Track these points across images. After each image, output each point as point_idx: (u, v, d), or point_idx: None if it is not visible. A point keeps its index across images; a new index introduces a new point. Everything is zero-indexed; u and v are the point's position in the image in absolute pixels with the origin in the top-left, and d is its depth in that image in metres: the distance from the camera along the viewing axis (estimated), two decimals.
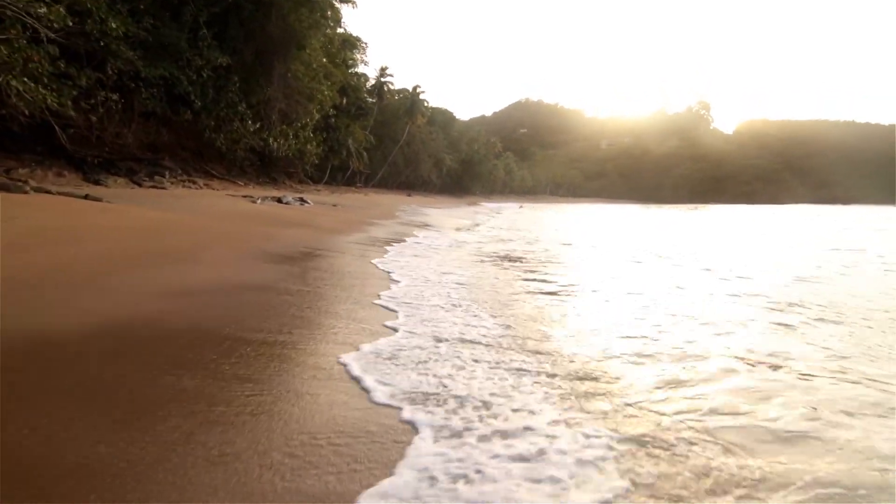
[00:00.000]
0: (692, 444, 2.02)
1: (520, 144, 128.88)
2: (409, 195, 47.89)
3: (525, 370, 2.76)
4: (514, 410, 2.24)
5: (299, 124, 25.63)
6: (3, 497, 1.39)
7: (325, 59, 26.34)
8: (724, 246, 12.20)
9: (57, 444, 1.66)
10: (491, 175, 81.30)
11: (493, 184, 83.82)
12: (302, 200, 17.34)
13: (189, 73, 18.34)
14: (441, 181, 64.39)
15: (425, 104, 56.83)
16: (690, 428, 2.15)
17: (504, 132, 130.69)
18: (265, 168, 26.39)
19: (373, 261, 6.54)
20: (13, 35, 10.63)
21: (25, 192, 8.01)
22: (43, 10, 11.06)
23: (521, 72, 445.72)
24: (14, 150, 13.57)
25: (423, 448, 1.87)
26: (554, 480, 1.71)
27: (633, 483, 1.72)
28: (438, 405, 2.25)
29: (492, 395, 2.40)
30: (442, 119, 69.32)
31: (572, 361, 2.97)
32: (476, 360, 2.86)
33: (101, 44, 14.25)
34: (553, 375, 2.71)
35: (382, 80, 51.21)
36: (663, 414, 2.29)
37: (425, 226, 15.11)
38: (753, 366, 3.02)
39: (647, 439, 2.03)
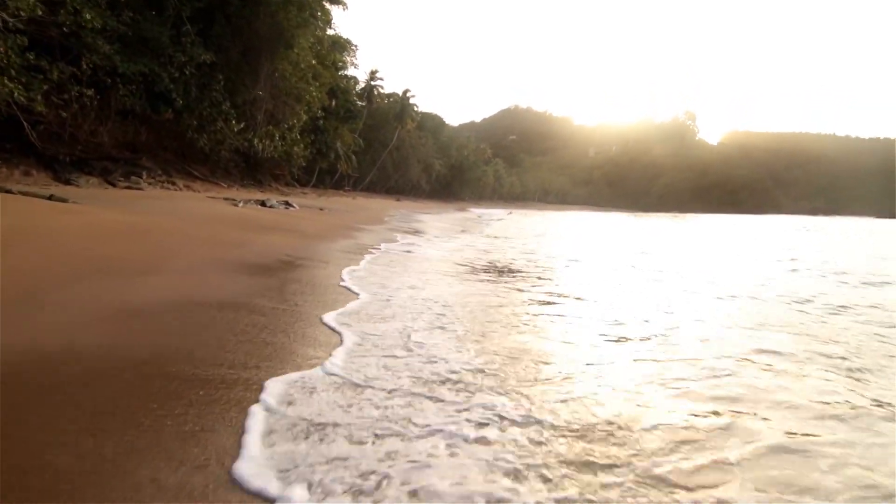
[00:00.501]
0: None
1: (509, 151, 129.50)
2: (399, 200, 47.47)
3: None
4: None
5: (286, 125, 25.03)
6: None
7: (313, 61, 25.75)
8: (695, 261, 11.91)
9: None
10: (480, 181, 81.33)
11: (483, 190, 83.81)
12: (287, 204, 16.69)
13: (171, 69, 17.65)
14: (430, 186, 64.16)
15: (415, 108, 56.65)
16: None
17: (493, 138, 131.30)
18: (250, 170, 25.68)
19: (355, 273, 6.02)
20: None
21: None
22: None
23: (511, 78, 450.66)
24: None
25: None
26: None
27: None
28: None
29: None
30: (432, 124, 69.21)
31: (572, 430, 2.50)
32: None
33: (76, 36, 13.55)
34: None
35: (372, 83, 50.86)
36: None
37: (415, 232, 14.61)
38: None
39: None
